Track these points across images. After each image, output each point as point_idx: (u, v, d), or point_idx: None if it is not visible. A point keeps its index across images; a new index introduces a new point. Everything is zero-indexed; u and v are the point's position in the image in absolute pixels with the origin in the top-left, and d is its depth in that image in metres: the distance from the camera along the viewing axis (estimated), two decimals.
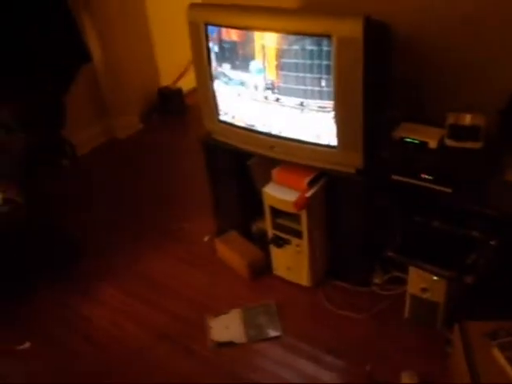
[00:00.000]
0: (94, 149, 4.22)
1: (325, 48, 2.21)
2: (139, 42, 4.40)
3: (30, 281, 2.96)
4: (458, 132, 2.35)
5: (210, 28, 2.50)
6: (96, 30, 4.00)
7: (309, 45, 2.25)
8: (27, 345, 2.66)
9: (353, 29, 2.13)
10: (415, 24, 2.59)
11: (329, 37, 2.18)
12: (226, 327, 2.61)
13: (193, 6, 2.57)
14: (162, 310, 2.77)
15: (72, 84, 3.45)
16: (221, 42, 2.50)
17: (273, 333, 2.57)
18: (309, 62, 2.28)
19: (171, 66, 4.52)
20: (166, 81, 4.59)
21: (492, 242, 2.37)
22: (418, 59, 2.64)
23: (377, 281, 2.71)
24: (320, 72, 2.27)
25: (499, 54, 2.47)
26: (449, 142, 2.36)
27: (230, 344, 2.55)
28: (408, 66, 2.65)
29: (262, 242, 2.89)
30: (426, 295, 2.42)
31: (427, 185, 2.34)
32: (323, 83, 2.29)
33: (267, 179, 2.68)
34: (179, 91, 4.56)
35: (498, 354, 1.99)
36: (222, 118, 2.72)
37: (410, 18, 2.58)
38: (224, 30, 2.47)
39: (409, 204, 2.57)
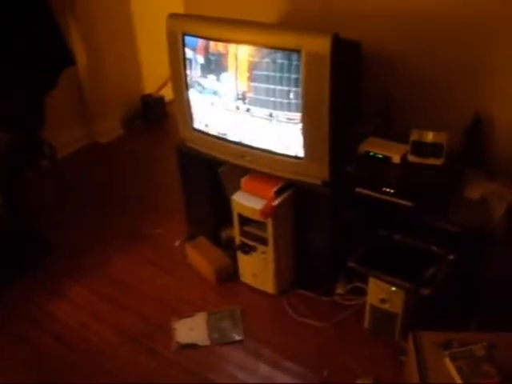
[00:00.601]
0: (74, 152, 4.27)
1: (294, 62, 2.30)
2: (124, 49, 4.47)
3: (2, 277, 2.99)
4: (420, 148, 2.44)
5: (187, 38, 2.57)
6: (81, 34, 4.06)
7: (279, 58, 2.34)
8: None
9: (321, 45, 2.22)
10: (387, 43, 2.69)
11: (298, 52, 2.26)
12: (191, 329, 2.67)
13: (172, 16, 2.65)
14: (128, 310, 2.83)
15: (54, 86, 3.52)
16: (196, 52, 2.58)
17: (236, 337, 2.63)
18: (279, 74, 2.36)
19: (155, 74, 4.59)
20: (149, 88, 4.66)
21: (450, 257, 2.45)
22: (389, 77, 2.74)
23: (339, 291, 2.78)
24: (289, 85, 2.36)
25: (466, 77, 2.56)
26: (411, 158, 2.45)
27: (193, 346, 2.61)
28: (379, 83, 2.75)
29: (230, 248, 2.95)
30: (384, 306, 2.48)
31: (389, 198, 2.41)
32: (291, 95, 2.37)
33: (237, 187, 2.74)
34: (161, 99, 4.63)
35: (449, 364, 2.06)
36: (196, 126, 2.79)
37: (382, 38, 2.68)
38: (200, 40, 2.54)
39: (373, 217, 2.64)
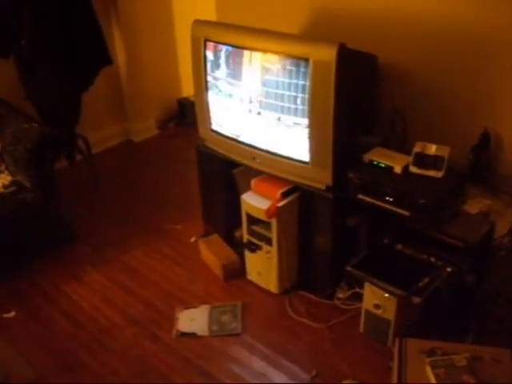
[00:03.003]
0: (109, 148, 4.48)
1: (302, 69, 2.40)
2: (164, 51, 4.66)
3: (26, 258, 3.19)
4: (422, 160, 2.50)
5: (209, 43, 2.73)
6: (122, 35, 4.27)
7: (289, 65, 2.45)
8: (12, 314, 2.89)
9: (328, 54, 2.32)
10: (401, 58, 2.77)
11: (306, 60, 2.37)
12: (192, 320, 2.79)
13: (196, 22, 2.80)
14: (137, 298, 2.98)
15: (91, 84, 3.71)
16: (215, 56, 2.72)
17: (234, 331, 2.73)
18: (287, 80, 2.48)
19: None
20: (186, 91, 4.82)
21: (448, 269, 2.50)
22: (401, 91, 2.81)
23: (340, 295, 2.85)
24: (296, 91, 2.46)
25: (477, 94, 2.62)
26: (413, 169, 2.51)
27: (192, 335, 2.72)
28: (391, 96, 2.82)
29: (241, 247, 3.06)
30: (378, 311, 2.54)
31: (388, 206, 2.48)
32: (299, 101, 2.48)
33: (249, 188, 2.86)
34: None
35: (428, 371, 2.10)
36: (213, 127, 2.92)
37: (396, 52, 2.76)
38: (219, 45, 2.69)
39: (378, 225, 2.71)
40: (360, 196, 2.56)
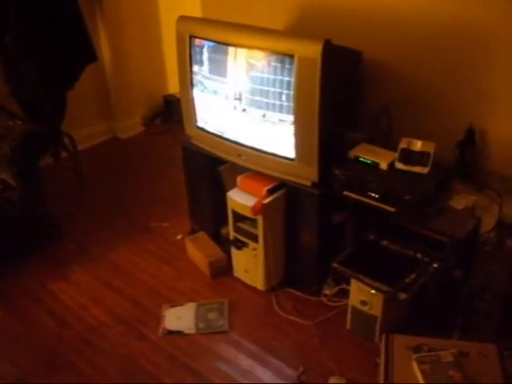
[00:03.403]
0: (94, 145, 4.46)
1: (287, 66, 2.39)
2: (150, 48, 4.64)
3: (11, 257, 3.17)
4: (408, 156, 2.50)
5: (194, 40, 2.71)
6: (108, 31, 4.24)
7: (274, 61, 2.44)
8: None
9: (313, 50, 2.31)
10: (386, 54, 2.76)
11: (291, 56, 2.36)
12: (179, 317, 2.78)
13: (181, 18, 2.78)
14: (124, 296, 2.97)
15: (77, 81, 3.68)
16: (200, 53, 2.70)
17: (220, 328, 2.73)
18: (272, 77, 2.46)
19: None
20: (172, 88, 4.80)
21: (435, 265, 2.50)
22: (387, 87, 2.81)
23: (327, 292, 2.85)
24: (281, 87, 2.45)
25: (462, 90, 2.62)
26: (399, 165, 2.51)
27: (179, 333, 2.72)
28: (377, 92, 2.82)
29: (227, 245, 3.05)
30: (365, 308, 2.54)
31: (373, 202, 2.48)
32: (284, 98, 2.46)
33: (235, 185, 2.85)
34: None
35: (415, 367, 2.10)
36: (199, 124, 2.91)
37: (381, 48, 2.76)
38: (204, 41, 2.67)
39: (363, 221, 2.71)
40: (346, 192, 2.56)
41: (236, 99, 2.65)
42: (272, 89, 2.49)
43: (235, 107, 2.67)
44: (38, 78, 3.48)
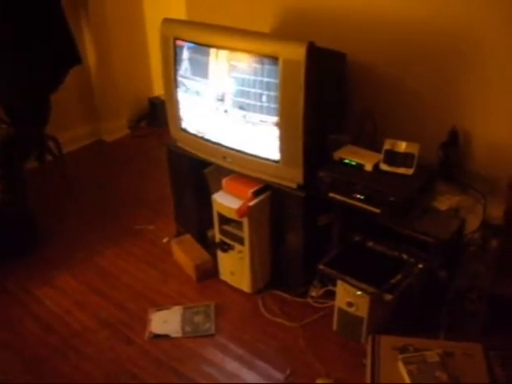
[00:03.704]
0: (79, 148, 4.44)
1: (269, 67, 2.40)
2: (135, 51, 4.63)
3: None
4: (392, 157, 2.51)
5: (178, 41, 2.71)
6: (93, 34, 4.23)
7: (256, 63, 2.45)
8: None
9: (297, 52, 2.31)
10: (370, 56, 2.77)
11: (276, 58, 2.36)
12: (165, 321, 2.77)
13: (166, 21, 2.78)
14: (110, 300, 2.94)
15: (61, 84, 3.66)
16: (183, 54, 2.70)
17: (207, 331, 2.72)
18: (253, 78, 2.46)
19: None
20: (158, 91, 4.79)
21: (420, 266, 2.51)
22: (371, 89, 2.82)
23: (313, 294, 2.85)
24: (262, 88, 2.45)
25: (446, 91, 2.63)
26: (383, 167, 2.52)
27: (165, 337, 2.70)
28: (361, 94, 2.83)
29: (213, 247, 3.04)
30: (351, 309, 2.55)
31: (359, 204, 2.48)
32: (264, 99, 2.47)
33: (221, 187, 2.84)
34: None
35: (401, 367, 2.12)
36: (184, 126, 2.90)
37: (366, 51, 2.76)
38: (188, 43, 2.67)
39: (349, 223, 2.72)
40: (331, 194, 2.56)
41: (218, 100, 2.63)
42: (253, 90, 2.48)
43: (217, 108, 2.67)
44: (22, 80, 3.46)
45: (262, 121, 2.52)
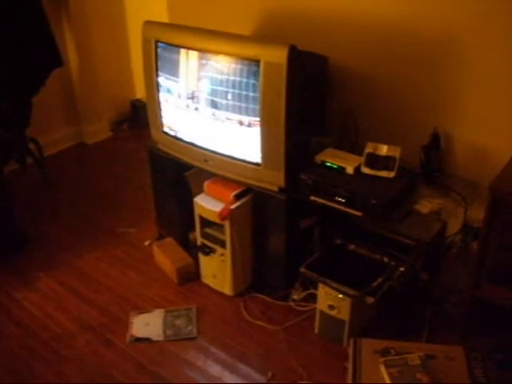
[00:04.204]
0: (61, 151, 4.41)
1: (248, 68, 2.41)
2: (117, 53, 4.62)
3: None
4: (374, 161, 2.52)
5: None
6: (74, 35, 4.20)
7: (237, 65, 2.45)
8: None
9: (278, 55, 2.31)
10: (352, 60, 2.79)
11: (257, 61, 2.36)
12: (146, 324, 2.76)
13: (147, 23, 2.77)
14: (90, 303, 2.93)
15: (42, 86, 3.63)
16: (165, 56, 2.71)
17: (189, 335, 2.71)
18: (234, 79, 2.47)
19: None
20: (140, 93, 4.78)
21: (402, 269, 2.52)
22: (352, 92, 2.83)
23: (295, 297, 2.85)
24: (243, 90, 2.45)
25: (427, 94, 2.66)
26: (365, 170, 2.52)
27: (146, 340, 2.69)
28: (343, 97, 2.84)
29: (195, 250, 3.03)
30: (332, 312, 2.55)
31: (340, 207, 2.48)
32: (229, 96, 2.50)
33: (202, 190, 2.84)
34: None
35: (383, 370, 2.13)
36: (165, 129, 2.89)
37: (347, 54, 2.78)
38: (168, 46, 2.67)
39: (330, 226, 2.72)
40: (313, 197, 2.56)
41: (188, 98, 2.67)
42: (236, 91, 2.49)
43: (188, 106, 2.69)
44: (2, 82, 3.41)
45: (242, 123, 2.51)
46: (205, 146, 2.73)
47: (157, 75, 2.77)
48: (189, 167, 2.94)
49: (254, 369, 2.54)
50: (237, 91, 2.47)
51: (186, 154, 2.85)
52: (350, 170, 2.53)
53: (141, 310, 2.85)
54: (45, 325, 2.81)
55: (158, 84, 2.79)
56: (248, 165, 2.61)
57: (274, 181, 2.57)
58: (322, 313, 2.60)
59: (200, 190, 2.85)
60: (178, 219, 3.17)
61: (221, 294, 2.94)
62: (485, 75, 2.45)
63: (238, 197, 2.69)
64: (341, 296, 2.47)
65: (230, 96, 2.51)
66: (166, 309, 2.85)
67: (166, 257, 3.05)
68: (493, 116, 2.51)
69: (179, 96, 2.73)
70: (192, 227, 3.02)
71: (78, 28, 4.20)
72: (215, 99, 2.57)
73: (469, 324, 2.46)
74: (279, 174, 2.53)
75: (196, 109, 2.66)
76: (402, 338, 2.31)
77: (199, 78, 2.60)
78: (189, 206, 2.92)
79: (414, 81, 2.65)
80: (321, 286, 2.55)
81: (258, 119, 2.47)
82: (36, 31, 3.47)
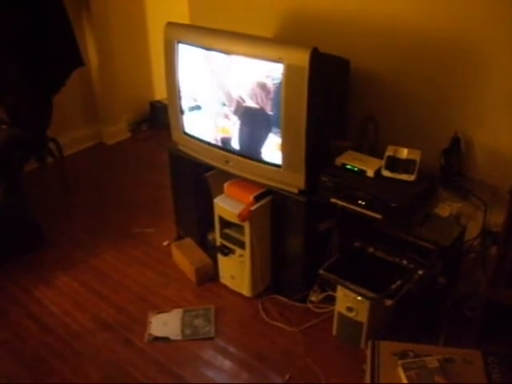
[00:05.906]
0: (80, 151, 4.46)
1: (271, 71, 2.41)
2: (137, 54, 4.66)
3: None
4: (394, 164, 2.52)
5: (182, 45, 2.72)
6: (95, 36, 4.25)
7: (259, 67, 2.47)
8: None
9: (301, 58, 2.32)
10: (374, 63, 2.78)
11: (280, 63, 2.37)
12: (165, 324, 2.77)
13: (169, 24, 2.78)
14: (109, 302, 2.95)
15: (63, 86, 3.67)
16: (189, 59, 2.73)
17: (207, 335, 2.72)
18: (256, 82, 2.49)
19: None
20: (159, 95, 4.80)
21: (420, 272, 2.52)
22: (374, 95, 2.83)
23: (313, 298, 2.85)
24: (264, 93, 2.48)
25: (448, 98, 2.64)
26: (385, 173, 2.52)
27: (165, 339, 2.71)
28: (364, 100, 2.84)
29: (214, 251, 3.05)
30: (351, 314, 2.55)
31: (360, 210, 2.48)
32: (267, 103, 2.51)
33: (222, 192, 2.85)
34: None
35: (401, 373, 2.12)
36: (187, 130, 2.91)
37: (369, 57, 2.77)
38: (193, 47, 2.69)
39: (350, 228, 2.72)
40: (333, 199, 2.56)
41: (222, 105, 2.65)
42: (256, 94, 2.50)
43: (221, 113, 2.70)
44: (24, 82, 3.46)
45: (264, 126, 2.52)
46: (227, 147, 2.75)
47: (178, 76, 2.78)
48: (208, 168, 2.96)
49: (272, 370, 2.55)
50: (261, 95, 2.48)
51: (206, 155, 2.87)
52: (370, 172, 2.53)
53: (159, 310, 2.87)
54: (63, 322, 2.84)
55: (179, 85, 2.80)
56: (269, 167, 2.62)
57: (295, 183, 2.58)
58: (340, 315, 2.61)
59: (220, 191, 2.86)
60: (196, 220, 3.19)
61: (239, 295, 2.95)
62: (506, 79, 2.44)
63: (257, 198, 2.70)
64: (359, 298, 2.47)
65: (253, 100, 2.53)
66: (185, 309, 2.87)
67: (184, 257, 3.07)
68: None
69: (201, 98, 2.73)
70: (210, 228, 3.03)
71: (98, 29, 4.24)
72: (242, 104, 2.59)
73: (486, 328, 2.45)
74: (300, 176, 2.54)
75: (229, 115, 2.69)
76: (420, 341, 2.30)
77: (220, 80, 2.62)
78: (207, 207, 2.93)
79: (436, 85, 2.64)
80: (339, 288, 2.56)
81: (279, 122, 2.47)
82: (57, 31, 3.53)
